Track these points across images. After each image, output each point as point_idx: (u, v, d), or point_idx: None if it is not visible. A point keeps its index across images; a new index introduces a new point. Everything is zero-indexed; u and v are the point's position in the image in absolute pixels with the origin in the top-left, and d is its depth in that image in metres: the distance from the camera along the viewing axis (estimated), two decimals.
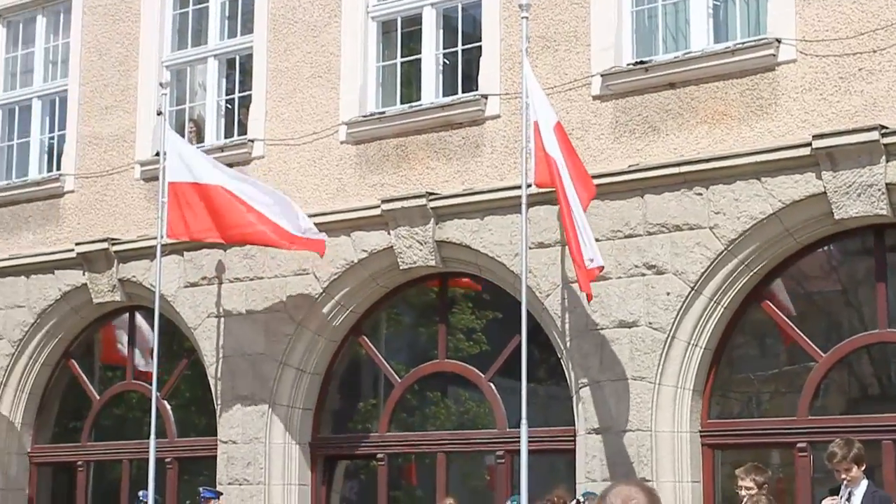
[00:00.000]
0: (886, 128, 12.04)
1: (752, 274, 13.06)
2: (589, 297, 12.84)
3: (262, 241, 14.97)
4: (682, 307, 13.09)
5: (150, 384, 15.91)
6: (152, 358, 15.85)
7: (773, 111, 12.83)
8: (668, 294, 13.15)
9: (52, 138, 18.88)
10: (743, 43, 13.14)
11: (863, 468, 10.37)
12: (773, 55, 12.84)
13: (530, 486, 12.47)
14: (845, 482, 10.27)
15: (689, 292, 13.05)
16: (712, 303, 13.12)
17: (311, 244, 14.65)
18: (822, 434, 12.36)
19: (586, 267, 12.32)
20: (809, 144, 12.31)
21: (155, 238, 15.64)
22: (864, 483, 10.34)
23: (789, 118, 12.69)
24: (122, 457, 17.91)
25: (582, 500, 12.85)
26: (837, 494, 10.29)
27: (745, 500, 10.02)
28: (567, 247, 12.76)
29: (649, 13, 14.04)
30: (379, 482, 15.71)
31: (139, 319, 17.87)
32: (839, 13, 12.58)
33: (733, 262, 12.97)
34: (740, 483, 10.36)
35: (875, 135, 12.02)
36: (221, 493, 15.40)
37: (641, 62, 13.70)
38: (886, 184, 12.10)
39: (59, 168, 18.42)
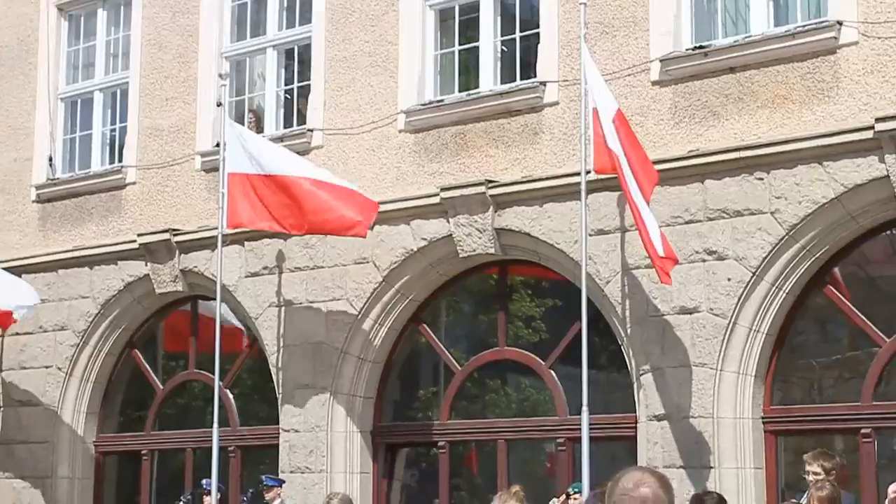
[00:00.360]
0: None
1: (814, 259, 12.95)
2: (668, 282, 12.77)
3: (322, 229, 14.97)
4: (743, 293, 13.01)
5: (213, 374, 15.98)
6: (217, 348, 15.89)
7: (834, 94, 12.71)
8: (729, 280, 13.07)
9: (113, 130, 19.01)
10: (803, 26, 13.00)
11: None
12: (835, 38, 12.71)
13: (592, 474, 12.42)
14: None
15: (751, 278, 12.96)
16: (774, 288, 13.03)
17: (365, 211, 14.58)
18: (886, 420, 12.30)
19: (660, 257, 12.31)
20: (872, 127, 12.18)
21: (216, 228, 15.71)
22: None
23: (851, 101, 12.56)
24: (185, 446, 18.05)
25: (571, 492, 12.82)
26: None
27: (811, 485, 9.91)
28: (637, 232, 12.63)
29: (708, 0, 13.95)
30: (440, 470, 15.73)
31: (201, 309, 17.95)
32: None
33: (795, 247, 12.87)
34: (807, 468, 10.26)
35: None
36: (284, 482, 15.48)
37: (701, 47, 13.59)
38: None
39: (120, 160, 18.55)
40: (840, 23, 12.69)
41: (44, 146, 19.39)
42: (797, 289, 13.11)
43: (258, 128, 17.25)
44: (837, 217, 12.71)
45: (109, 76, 19.09)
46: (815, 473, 10.05)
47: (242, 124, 17.18)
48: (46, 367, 18.71)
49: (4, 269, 18.38)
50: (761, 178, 12.95)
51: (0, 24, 20.24)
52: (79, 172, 19.07)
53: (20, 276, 18.71)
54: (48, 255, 18.86)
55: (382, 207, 15.14)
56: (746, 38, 13.37)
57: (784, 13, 13.48)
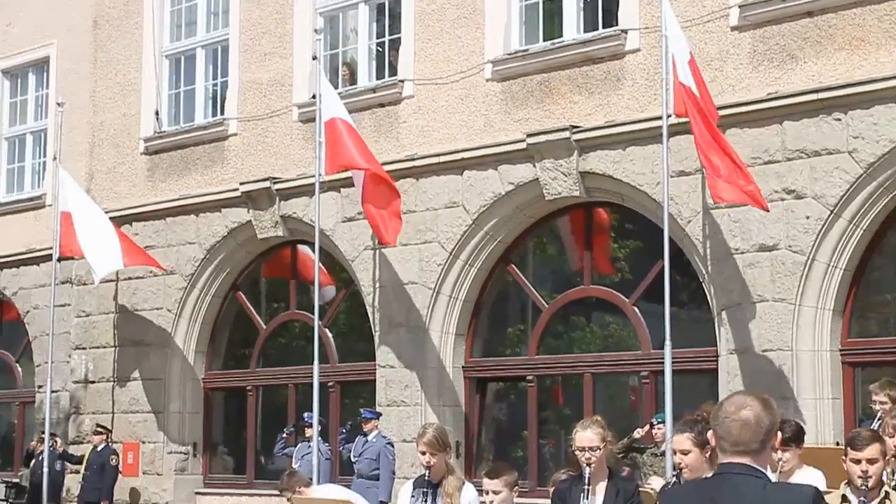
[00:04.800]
0: None
1: (890, 196, 12.77)
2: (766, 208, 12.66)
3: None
4: (821, 230, 12.87)
5: (312, 314, 16.09)
6: (315, 288, 15.98)
7: None
8: (807, 218, 12.93)
9: (215, 85, 19.14)
10: None
11: None
12: None
13: (674, 406, 12.38)
14: None
15: (829, 215, 12.82)
16: (851, 225, 12.87)
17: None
18: None
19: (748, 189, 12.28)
20: None
21: (313, 176, 15.74)
22: None
23: None
24: (287, 381, 18.24)
25: (655, 423, 12.77)
26: None
27: (884, 413, 9.78)
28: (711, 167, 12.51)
29: None
30: (528, 403, 15.78)
31: (300, 253, 18.06)
32: None
33: (872, 185, 12.70)
34: (874, 398, 10.14)
35: None
36: (381, 414, 15.57)
37: None
38: None
39: (222, 113, 18.68)
40: None
41: (150, 101, 19.58)
42: (874, 225, 12.95)
43: (352, 80, 17.32)
44: None
45: (210, 33, 19.19)
46: (882, 402, 9.93)
47: (337, 77, 17.30)
48: (157, 309, 18.97)
49: (116, 217, 18.60)
50: (839, 119, 12.78)
51: None
52: (183, 125, 19.23)
53: (131, 224, 18.98)
54: (156, 203, 19.08)
55: (473, 153, 15.29)
56: None
57: None
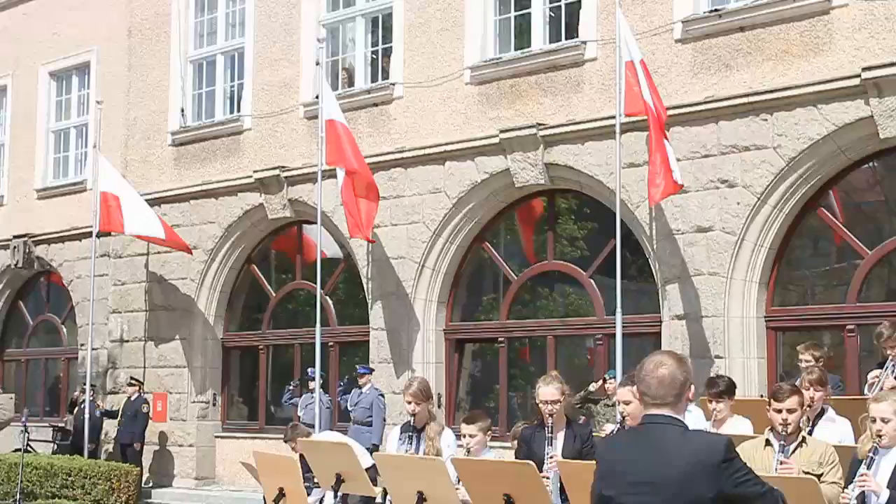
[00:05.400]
0: None
1: (809, 185, 12.82)
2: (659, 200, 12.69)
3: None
4: (749, 214, 12.92)
5: (316, 283, 16.07)
6: (317, 262, 15.97)
7: (828, 48, 12.49)
8: (738, 204, 12.96)
9: (232, 87, 19.02)
10: None
11: None
12: (829, 1, 12.46)
13: (623, 364, 12.41)
14: (891, 357, 10.02)
15: (756, 202, 12.85)
16: (775, 210, 12.91)
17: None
18: (867, 318, 12.16)
19: (675, 182, 12.25)
20: (859, 76, 11.99)
21: (316, 165, 15.71)
22: None
23: (842, 54, 12.35)
24: (293, 342, 18.22)
25: (607, 378, 12.79)
26: (882, 368, 10.06)
27: (803, 370, 9.82)
28: (652, 165, 12.51)
29: None
30: (499, 361, 15.81)
31: (305, 231, 18.03)
32: None
33: (793, 176, 12.74)
34: (800, 357, 10.13)
35: None
36: (373, 370, 15.60)
37: (716, 10, 13.37)
38: None
39: (239, 111, 18.58)
40: None
41: (177, 100, 19.50)
42: (795, 210, 12.99)
43: (350, 83, 17.26)
44: (829, 151, 12.56)
45: (229, 42, 19.07)
46: (807, 361, 9.91)
47: (337, 80, 17.25)
48: (182, 279, 18.93)
49: (147, 200, 18.57)
50: (766, 119, 12.81)
51: (140, 2, 20.29)
52: (205, 121, 19.14)
53: (160, 206, 18.93)
54: (181, 188, 19.02)
55: (453, 147, 15.27)
56: (754, 2, 13.12)
57: None
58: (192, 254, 18.47)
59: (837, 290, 13.07)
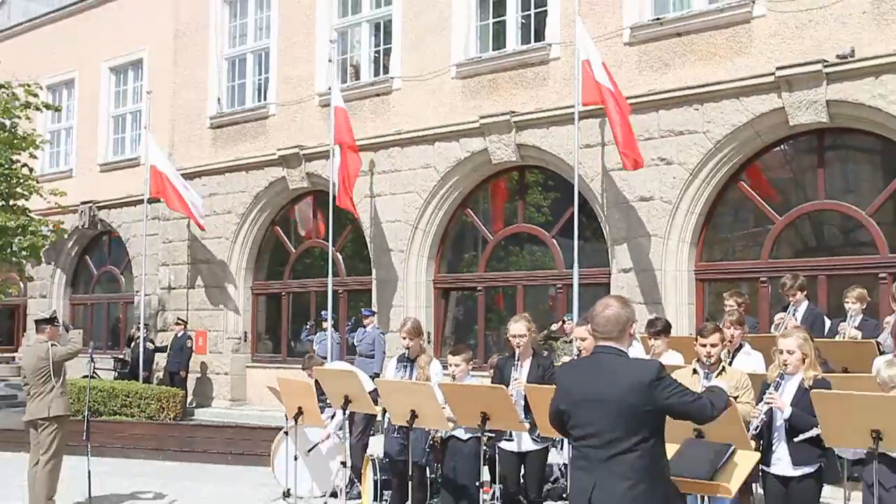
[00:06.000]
0: (826, 61, 11.69)
1: (731, 164, 12.86)
2: (630, 166, 12.51)
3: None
4: (683, 187, 12.96)
5: (328, 241, 16.08)
6: (328, 223, 15.96)
7: (748, 51, 12.48)
8: (673, 178, 12.98)
9: (260, 80, 18.90)
10: (728, 4, 12.68)
11: (804, 293, 10.21)
12: (749, 12, 12.46)
13: (579, 308, 12.47)
14: (792, 303, 10.11)
15: (688, 177, 12.89)
16: (704, 183, 12.95)
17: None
18: (777, 272, 12.22)
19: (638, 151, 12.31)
20: (773, 74, 12.00)
21: (328, 145, 15.69)
22: (805, 303, 10.17)
23: (760, 56, 12.34)
24: (310, 290, 18.23)
25: (566, 320, 12.82)
26: (786, 311, 10.15)
27: (726, 313, 9.88)
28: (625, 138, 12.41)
29: None
30: (478, 306, 15.84)
31: (319, 199, 17.99)
32: None
33: (718, 155, 12.77)
34: (725, 303, 10.20)
35: (819, 66, 11.69)
36: (376, 312, 15.62)
37: (657, 18, 13.33)
38: (826, 100, 11.77)
39: (265, 99, 18.47)
40: (754, 2, 12.42)
41: (214, 91, 19.40)
42: (719, 184, 13.02)
43: (357, 77, 17.16)
44: (748, 135, 12.58)
45: (256, 43, 18.93)
46: (730, 306, 9.98)
47: (346, 75, 17.16)
48: (218, 238, 18.92)
49: (189, 173, 18.54)
50: (697, 109, 12.81)
51: (183, 9, 20.14)
52: (237, 108, 19.03)
53: (200, 178, 18.88)
54: (217, 163, 18.95)
55: (441, 130, 15.25)
56: (689, 12, 13.09)
57: None
58: (204, 229, 18.47)
59: (753, 249, 13.12)
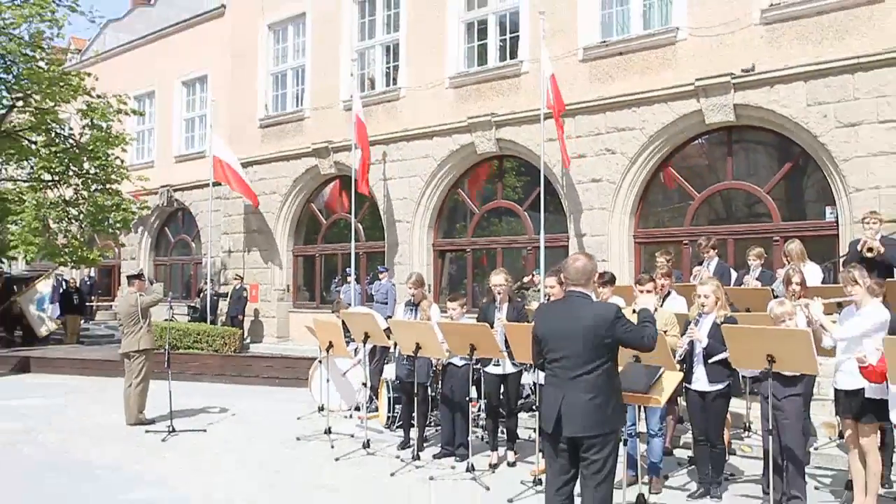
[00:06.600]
0: (734, 74, 11.60)
1: (660, 153, 12.79)
2: (566, 166, 12.61)
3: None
4: (624, 171, 12.88)
5: (351, 214, 15.97)
6: (351, 201, 15.87)
7: (675, 66, 12.36)
8: (617, 164, 12.91)
9: (298, 90, 18.63)
10: (658, 30, 12.56)
11: (716, 252, 10.19)
12: (675, 36, 12.32)
13: (545, 266, 12.45)
14: (706, 259, 10.09)
15: (628, 163, 12.81)
16: (640, 168, 12.88)
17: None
18: (695, 236, 12.16)
19: (567, 152, 12.27)
20: (693, 84, 11.90)
21: (350, 140, 15.55)
22: (717, 260, 10.15)
23: (683, 70, 12.22)
24: (337, 252, 18.12)
25: (535, 275, 12.78)
26: (701, 265, 10.13)
27: (657, 267, 9.86)
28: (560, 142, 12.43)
29: (610, 15, 13.43)
30: (468, 264, 15.77)
31: (343, 182, 17.87)
32: (713, 12, 11.98)
33: (651, 147, 12.71)
34: (657, 259, 10.16)
35: (728, 78, 11.62)
36: (388, 269, 15.56)
37: (604, 41, 13.17)
38: (734, 104, 11.70)
39: (302, 105, 18.23)
40: (678, 28, 12.27)
41: (262, 99, 19.15)
42: (652, 169, 12.95)
43: (372, 87, 16.96)
44: (674, 131, 12.50)
45: (295, 61, 18.67)
46: (661, 262, 9.96)
47: (364, 85, 16.97)
48: (267, 212, 18.78)
49: (244, 162, 18.37)
50: (635, 111, 12.70)
51: (237, 37, 19.86)
52: (280, 112, 18.81)
53: (252, 166, 18.72)
54: (266, 155, 18.74)
55: (438, 128, 15.09)
56: (628, 36, 12.93)
57: (649, 21, 12.98)
58: (258, 205, 18.28)
59: (678, 219, 13.06)
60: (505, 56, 14.74)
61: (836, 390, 6.42)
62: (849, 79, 10.76)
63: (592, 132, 13.08)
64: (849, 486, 6.62)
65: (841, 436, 7.68)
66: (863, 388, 6.12)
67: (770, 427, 6.13)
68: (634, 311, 7.13)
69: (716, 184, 12.58)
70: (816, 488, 7.03)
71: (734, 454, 8.07)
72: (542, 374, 6.47)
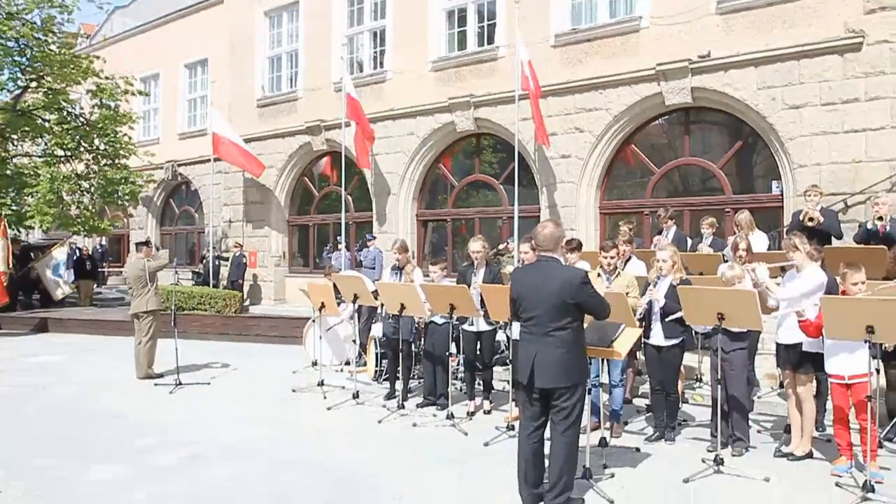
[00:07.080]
0: (691, 60, 11.56)
1: (624, 132, 12.75)
2: (547, 144, 12.58)
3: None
4: (591, 148, 12.85)
5: (341, 187, 15.87)
6: (342, 175, 15.75)
7: (638, 52, 12.28)
8: (585, 142, 12.87)
9: (292, 72, 18.37)
10: (623, 18, 12.48)
11: (673, 221, 10.26)
12: (638, 24, 12.24)
13: (518, 234, 12.46)
14: (665, 228, 10.14)
15: (595, 141, 12.78)
16: (605, 145, 12.86)
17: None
18: (655, 207, 12.20)
19: (546, 132, 12.17)
20: (655, 68, 11.85)
21: (341, 118, 15.41)
22: (674, 228, 10.23)
23: (646, 55, 12.16)
24: (328, 222, 18.01)
25: (510, 242, 12.77)
26: (660, 234, 10.18)
27: (620, 235, 9.90)
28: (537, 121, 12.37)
29: (579, 4, 13.30)
30: (448, 233, 15.73)
31: (335, 158, 17.72)
32: (674, 2, 11.92)
33: (616, 126, 12.66)
34: (620, 228, 10.21)
35: (686, 63, 11.57)
36: (376, 237, 15.49)
37: (574, 28, 13.07)
38: (691, 87, 11.68)
39: (296, 86, 17.97)
40: (641, 17, 12.20)
41: (259, 80, 18.86)
42: (616, 146, 12.92)
43: (361, 70, 16.76)
44: (637, 112, 12.45)
45: (290, 46, 18.37)
46: (624, 230, 10.01)
47: (353, 68, 16.76)
48: (263, 185, 18.62)
49: (243, 138, 18.15)
50: (601, 93, 12.64)
51: (236, 23, 19.48)
52: (276, 92, 18.53)
53: (250, 143, 18.48)
54: (262, 132, 18.45)
55: (421, 108, 14.95)
56: (595, 24, 12.85)
57: (615, 10, 12.88)
58: (263, 170, 18.00)
59: (639, 191, 13.08)
60: (483, 42, 14.59)
61: (777, 344, 6.53)
62: (795, 65, 10.79)
63: (562, 112, 13.03)
64: (787, 429, 6.76)
65: (781, 385, 7.82)
66: (801, 343, 6.23)
67: (718, 377, 6.23)
68: (599, 275, 7.19)
69: (674, 160, 12.60)
70: (759, 431, 7.17)
71: (687, 402, 8.20)
72: (515, 331, 6.50)
